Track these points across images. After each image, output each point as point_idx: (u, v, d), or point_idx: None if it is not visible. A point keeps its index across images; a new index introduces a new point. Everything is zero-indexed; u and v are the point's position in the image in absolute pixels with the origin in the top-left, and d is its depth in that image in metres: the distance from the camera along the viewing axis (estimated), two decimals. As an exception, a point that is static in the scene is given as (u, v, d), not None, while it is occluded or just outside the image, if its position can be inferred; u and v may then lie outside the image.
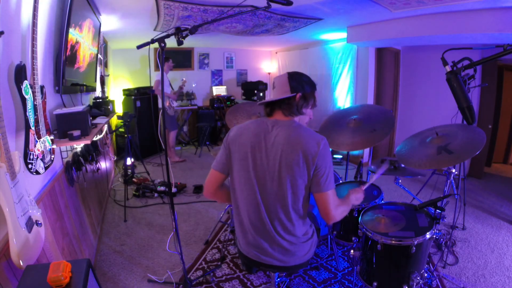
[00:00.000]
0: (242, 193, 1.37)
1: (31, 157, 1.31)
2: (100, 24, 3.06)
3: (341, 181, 2.48)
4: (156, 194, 3.71)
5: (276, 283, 1.63)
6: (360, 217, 1.78)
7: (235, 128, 1.41)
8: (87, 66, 2.56)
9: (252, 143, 1.31)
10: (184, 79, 5.29)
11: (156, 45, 1.54)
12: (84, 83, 2.50)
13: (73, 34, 2.05)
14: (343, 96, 5.13)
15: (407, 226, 1.63)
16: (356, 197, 1.49)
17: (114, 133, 4.96)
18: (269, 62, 7.31)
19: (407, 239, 1.53)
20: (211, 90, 6.77)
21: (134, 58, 5.79)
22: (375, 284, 1.64)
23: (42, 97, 1.49)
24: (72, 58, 2.11)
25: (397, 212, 1.77)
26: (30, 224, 1.18)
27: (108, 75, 4.76)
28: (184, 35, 1.55)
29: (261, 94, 6.41)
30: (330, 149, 1.38)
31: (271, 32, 4.42)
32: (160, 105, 5.02)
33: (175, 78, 6.36)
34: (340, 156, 5.10)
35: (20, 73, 1.24)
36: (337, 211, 1.31)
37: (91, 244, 2.40)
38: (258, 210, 1.35)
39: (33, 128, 1.32)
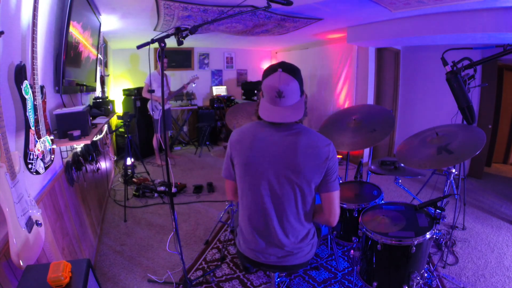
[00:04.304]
0: (247, 197, 1.35)
1: (31, 157, 1.31)
2: (100, 24, 3.06)
3: (341, 181, 2.48)
4: (156, 194, 3.70)
5: (276, 283, 1.63)
6: (360, 217, 1.78)
7: (235, 133, 1.38)
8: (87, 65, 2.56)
9: (257, 147, 1.28)
10: (196, 75, 5.11)
11: (156, 45, 1.54)
12: (84, 83, 2.50)
13: (74, 34, 2.05)
14: (343, 96, 5.13)
15: (407, 226, 1.64)
16: None
17: (114, 133, 4.96)
18: (269, 62, 7.31)
19: (407, 239, 1.53)
20: (211, 90, 6.77)
21: (134, 58, 5.79)
22: (375, 284, 1.64)
23: (42, 97, 1.49)
24: (72, 57, 2.11)
25: (397, 212, 1.77)
26: (30, 224, 1.18)
27: (108, 75, 4.76)
28: (184, 35, 1.55)
29: (261, 94, 6.40)
30: None
31: (271, 32, 4.42)
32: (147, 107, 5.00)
33: (175, 78, 6.38)
34: (340, 156, 5.09)
35: (20, 73, 1.24)
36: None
37: (91, 244, 2.40)
38: (263, 213, 1.33)
39: (33, 128, 1.32)
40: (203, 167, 4.93)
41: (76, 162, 2.23)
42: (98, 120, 2.43)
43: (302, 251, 1.39)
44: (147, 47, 1.50)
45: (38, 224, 1.26)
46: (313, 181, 1.28)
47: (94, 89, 3.02)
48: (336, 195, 1.32)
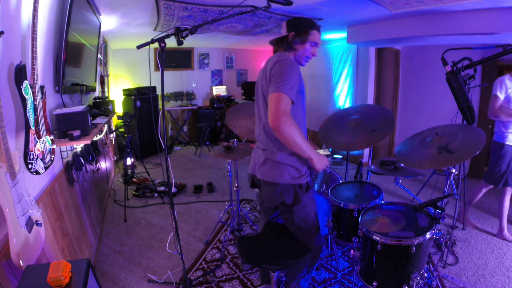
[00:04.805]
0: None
1: (31, 157, 1.31)
2: (100, 24, 3.06)
3: (341, 181, 2.48)
4: (156, 194, 3.71)
5: (275, 281, 1.63)
6: (360, 217, 1.78)
7: None
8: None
9: (258, 77, 1.64)
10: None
11: (156, 45, 1.54)
12: (84, 83, 2.50)
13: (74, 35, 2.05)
14: (343, 96, 5.13)
15: (407, 226, 1.63)
16: (318, 158, 1.47)
17: (114, 133, 4.96)
18: (269, 62, 7.30)
19: (407, 239, 1.53)
20: (211, 90, 6.77)
21: (134, 58, 5.79)
22: (375, 284, 1.64)
23: (42, 97, 1.49)
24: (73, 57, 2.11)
25: (397, 212, 1.77)
26: (30, 224, 1.18)
27: (108, 75, 4.76)
28: (184, 35, 1.55)
29: (261, 94, 6.40)
30: (290, 68, 1.44)
31: (271, 32, 4.42)
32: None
33: (175, 78, 6.38)
34: (340, 156, 5.10)
35: (20, 73, 1.24)
36: (286, 122, 1.33)
37: (91, 244, 2.41)
38: (259, 133, 1.63)
39: (33, 128, 1.32)
40: (203, 167, 4.93)
41: (76, 162, 2.23)
42: (98, 120, 2.43)
43: (275, 169, 1.53)
44: (147, 47, 1.50)
45: (38, 224, 1.26)
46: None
47: (94, 89, 3.02)
48: (276, 96, 1.37)
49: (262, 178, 1.58)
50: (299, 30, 1.55)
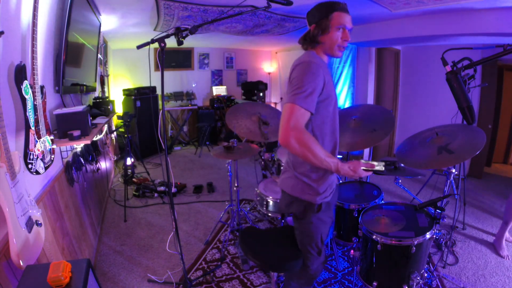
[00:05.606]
0: None
1: (31, 157, 1.31)
2: (100, 24, 3.06)
3: (341, 181, 2.48)
4: (156, 194, 3.71)
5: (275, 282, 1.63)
6: (360, 217, 1.78)
7: None
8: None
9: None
10: None
11: (156, 45, 1.54)
12: (84, 83, 2.50)
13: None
14: (343, 96, 5.13)
15: (407, 226, 1.64)
16: (343, 168, 1.26)
17: (114, 133, 4.96)
18: (269, 62, 7.31)
19: (407, 239, 1.53)
20: (211, 90, 6.77)
21: (134, 58, 5.79)
22: (375, 284, 1.65)
23: (42, 97, 1.49)
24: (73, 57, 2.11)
25: (397, 212, 1.77)
26: (30, 224, 1.18)
27: (108, 75, 4.76)
28: (184, 35, 1.55)
29: (261, 94, 6.40)
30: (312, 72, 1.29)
31: (271, 32, 4.42)
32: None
33: (175, 78, 6.38)
34: (340, 156, 5.08)
35: (20, 73, 1.24)
36: (295, 138, 1.19)
37: (91, 244, 2.41)
38: None
39: (33, 128, 1.32)
40: (203, 167, 4.93)
41: (76, 162, 2.23)
42: (98, 120, 2.43)
43: (290, 179, 1.46)
44: (147, 47, 1.50)
45: (38, 224, 1.26)
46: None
47: (94, 89, 3.02)
48: (288, 107, 1.24)
49: (280, 186, 1.55)
50: (318, 20, 1.36)
